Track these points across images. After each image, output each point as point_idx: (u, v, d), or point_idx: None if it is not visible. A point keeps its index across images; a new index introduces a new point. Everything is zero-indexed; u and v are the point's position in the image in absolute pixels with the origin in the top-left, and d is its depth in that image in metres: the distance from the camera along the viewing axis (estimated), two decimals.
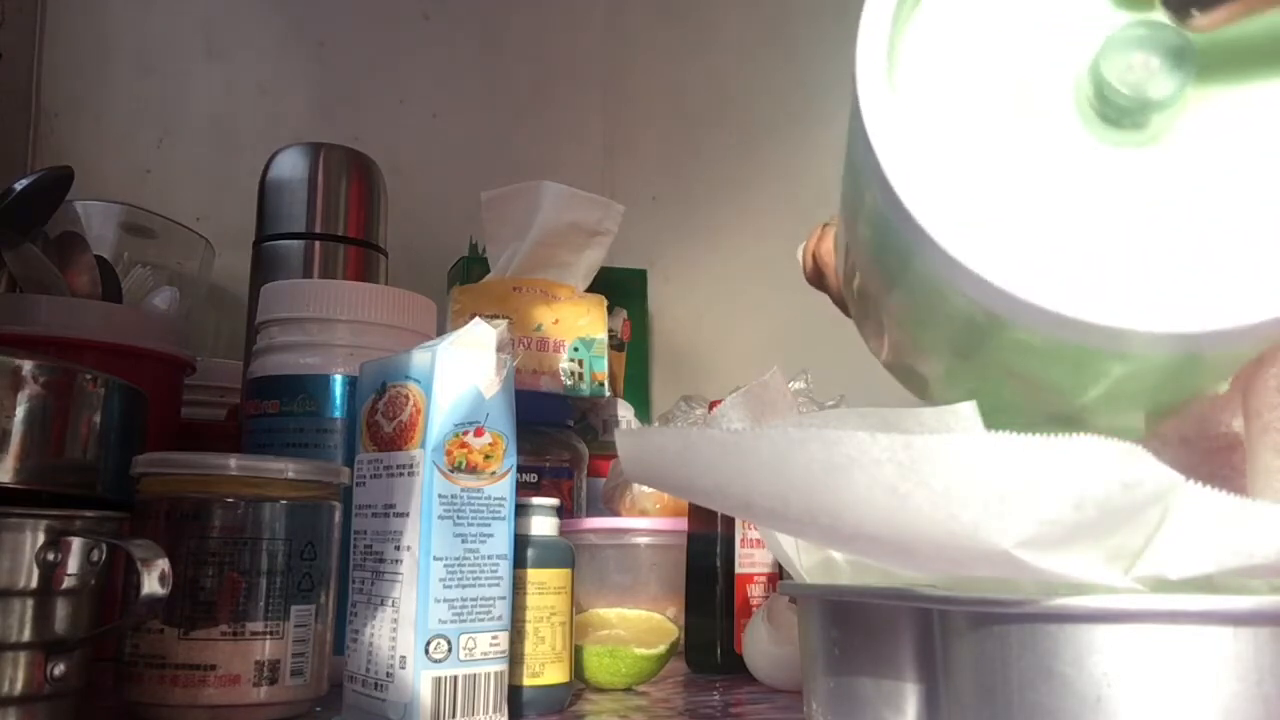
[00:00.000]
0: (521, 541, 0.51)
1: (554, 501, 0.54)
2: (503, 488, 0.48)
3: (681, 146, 1.29)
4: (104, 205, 0.91)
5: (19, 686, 0.40)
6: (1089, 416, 0.37)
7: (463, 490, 0.47)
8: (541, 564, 0.52)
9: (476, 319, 0.49)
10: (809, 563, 0.41)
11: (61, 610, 0.41)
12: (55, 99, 1.10)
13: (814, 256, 0.58)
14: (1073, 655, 0.28)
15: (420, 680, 0.45)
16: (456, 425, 0.47)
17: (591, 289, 0.93)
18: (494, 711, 0.47)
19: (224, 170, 1.11)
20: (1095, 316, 0.31)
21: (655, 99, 1.30)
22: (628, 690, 0.58)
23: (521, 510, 0.51)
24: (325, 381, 0.59)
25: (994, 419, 0.34)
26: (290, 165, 0.79)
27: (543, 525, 0.53)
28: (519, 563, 0.50)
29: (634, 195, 1.17)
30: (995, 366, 0.38)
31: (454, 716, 0.45)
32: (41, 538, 0.40)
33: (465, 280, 0.97)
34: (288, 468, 0.48)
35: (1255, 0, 0.34)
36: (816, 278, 0.62)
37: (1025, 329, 0.33)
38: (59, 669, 0.41)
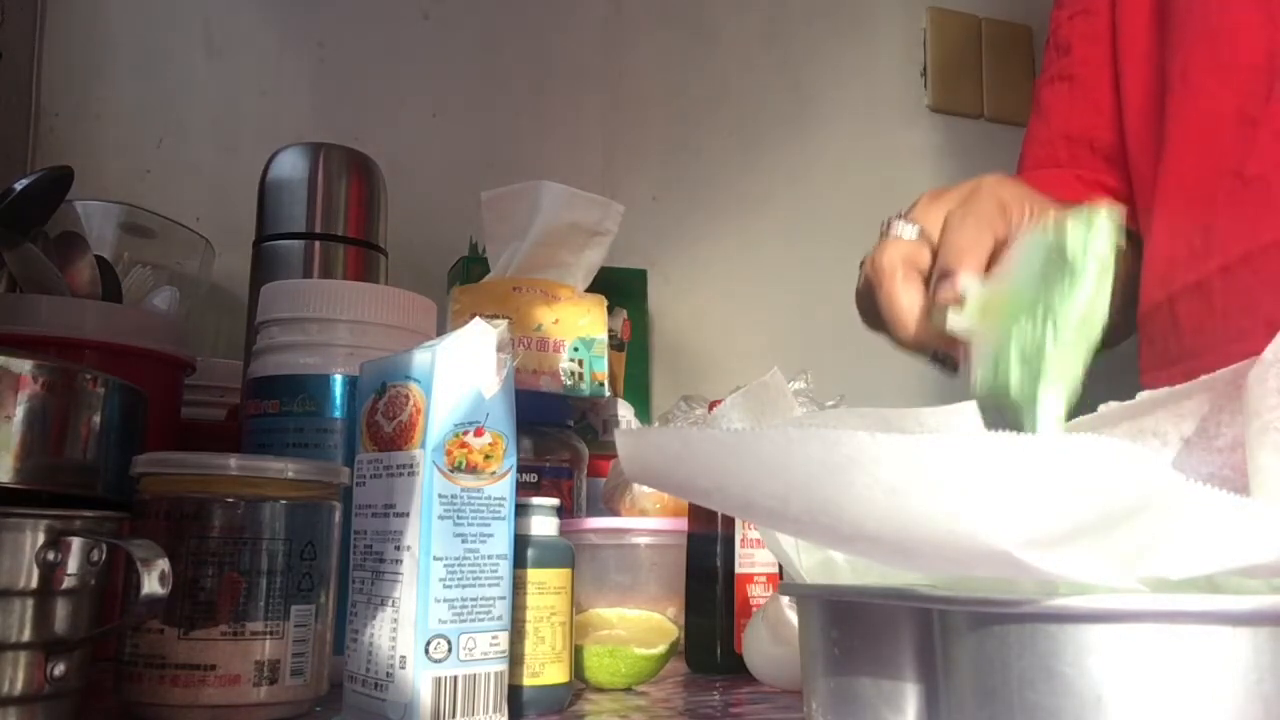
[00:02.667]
0: (521, 541, 0.51)
1: (554, 501, 0.54)
2: (503, 488, 0.48)
3: (681, 146, 1.29)
4: (104, 205, 0.91)
5: (19, 686, 0.40)
6: None
7: (463, 490, 0.47)
8: (541, 564, 0.52)
9: (476, 319, 0.49)
10: (809, 563, 0.41)
11: (61, 610, 0.41)
12: (55, 99, 1.10)
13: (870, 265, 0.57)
14: (1073, 655, 0.28)
15: (420, 680, 0.45)
16: (456, 425, 0.47)
17: (591, 289, 0.93)
18: (494, 711, 0.47)
19: (224, 170, 1.11)
20: None
21: (655, 99, 1.30)
22: (628, 690, 0.58)
23: (521, 510, 0.51)
24: (325, 381, 0.59)
25: None
26: (290, 165, 0.79)
27: (543, 525, 0.53)
28: (519, 563, 0.50)
29: (634, 195, 1.17)
30: None
31: (454, 716, 0.45)
32: (41, 538, 0.40)
33: (465, 280, 0.97)
34: (288, 468, 0.49)
35: None
36: (865, 291, 0.61)
37: None
38: (59, 669, 0.41)
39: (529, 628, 0.51)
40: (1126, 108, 0.77)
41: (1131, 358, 0.83)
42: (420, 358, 0.48)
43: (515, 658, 0.50)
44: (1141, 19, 0.76)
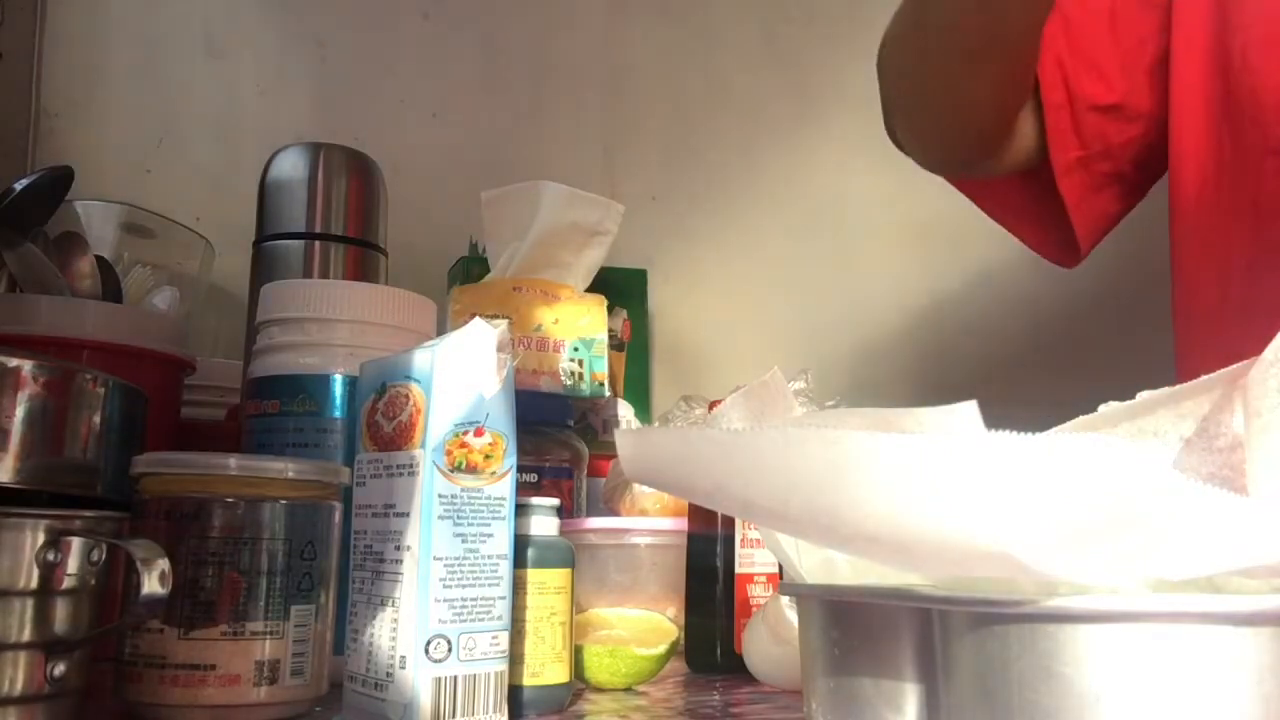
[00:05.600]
0: (521, 541, 0.51)
1: (554, 501, 0.54)
2: (503, 487, 0.48)
3: (681, 146, 1.29)
4: (104, 205, 0.91)
5: (19, 686, 0.40)
6: None
7: (463, 490, 0.47)
8: (541, 564, 0.52)
9: (476, 319, 0.49)
10: (809, 563, 0.41)
11: (61, 610, 0.41)
12: (55, 99, 1.10)
13: None
14: (1073, 655, 0.28)
15: (420, 680, 0.45)
16: (456, 425, 0.47)
17: (591, 289, 0.93)
18: (494, 711, 0.47)
19: (224, 170, 1.11)
20: None
21: (655, 99, 1.30)
22: (628, 690, 0.58)
23: (521, 510, 0.51)
24: (325, 381, 0.59)
25: None
26: (290, 165, 0.79)
27: (543, 525, 0.53)
28: (519, 563, 0.50)
29: (634, 195, 1.17)
30: None
31: (454, 716, 0.45)
32: (41, 538, 0.40)
33: (465, 280, 0.97)
34: (288, 468, 0.48)
35: None
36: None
37: None
38: (59, 669, 0.41)
39: (529, 628, 0.51)
40: (1175, 85, 0.77)
41: (1132, 359, 0.83)
42: (420, 358, 0.48)
43: (515, 658, 0.50)
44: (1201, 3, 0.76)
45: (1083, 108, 0.78)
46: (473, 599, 0.46)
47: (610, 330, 0.92)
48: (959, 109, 0.78)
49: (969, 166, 0.84)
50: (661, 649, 0.58)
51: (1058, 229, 0.84)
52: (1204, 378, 0.39)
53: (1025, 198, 0.85)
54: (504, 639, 0.47)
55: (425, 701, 0.45)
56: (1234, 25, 0.72)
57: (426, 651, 0.45)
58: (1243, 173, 0.71)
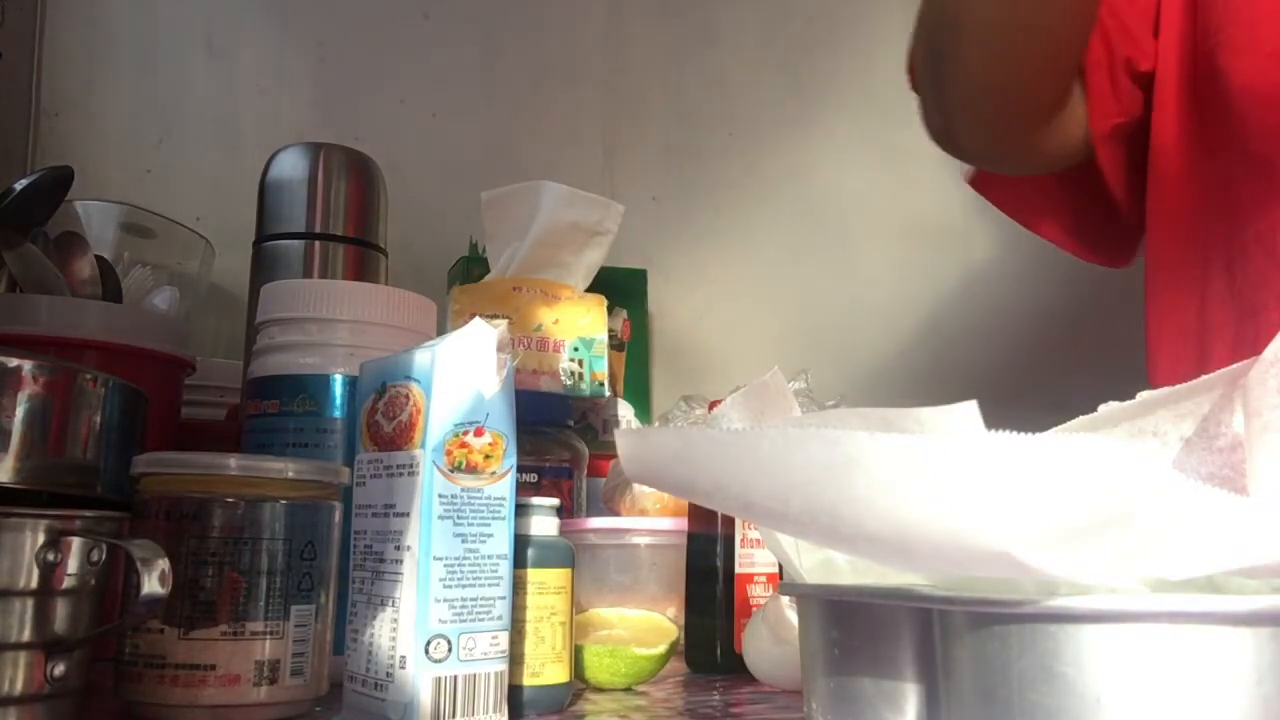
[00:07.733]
0: (521, 541, 0.51)
1: (554, 501, 0.54)
2: (503, 488, 0.48)
3: (681, 146, 1.30)
4: (104, 205, 0.91)
5: (19, 686, 0.40)
6: None
7: (463, 490, 0.47)
8: (541, 564, 0.52)
9: (476, 319, 0.49)
10: (809, 563, 0.41)
11: (61, 610, 0.41)
12: (55, 99, 1.10)
13: None
14: (1073, 655, 0.28)
15: (420, 680, 0.45)
16: (456, 425, 0.47)
17: (591, 289, 0.93)
18: (494, 711, 0.47)
19: (224, 170, 1.11)
20: None
21: (655, 99, 1.30)
22: (628, 690, 0.58)
23: (521, 510, 0.51)
24: (325, 381, 0.59)
25: None
26: (290, 165, 0.79)
27: (543, 525, 0.53)
28: (519, 563, 0.50)
29: (634, 195, 1.17)
30: None
31: (454, 716, 0.45)
32: (41, 538, 0.40)
33: (465, 280, 0.97)
34: (288, 468, 0.48)
35: None
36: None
37: None
38: (59, 669, 0.41)
39: (529, 628, 0.51)
40: (1156, 74, 0.77)
41: (1132, 359, 0.83)
42: (420, 358, 0.48)
43: (515, 658, 0.50)
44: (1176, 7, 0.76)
45: (1121, 70, 0.77)
46: (473, 599, 0.46)
47: (610, 330, 0.92)
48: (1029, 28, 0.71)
49: (1027, 128, 0.79)
50: (661, 649, 0.58)
51: (1097, 228, 0.83)
52: (1204, 378, 0.39)
53: (1063, 200, 0.83)
54: (504, 639, 0.47)
55: (425, 701, 0.45)
56: (1204, 28, 0.72)
57: (426, 651, 0.45)
58: (1218, 169, 0.71)
